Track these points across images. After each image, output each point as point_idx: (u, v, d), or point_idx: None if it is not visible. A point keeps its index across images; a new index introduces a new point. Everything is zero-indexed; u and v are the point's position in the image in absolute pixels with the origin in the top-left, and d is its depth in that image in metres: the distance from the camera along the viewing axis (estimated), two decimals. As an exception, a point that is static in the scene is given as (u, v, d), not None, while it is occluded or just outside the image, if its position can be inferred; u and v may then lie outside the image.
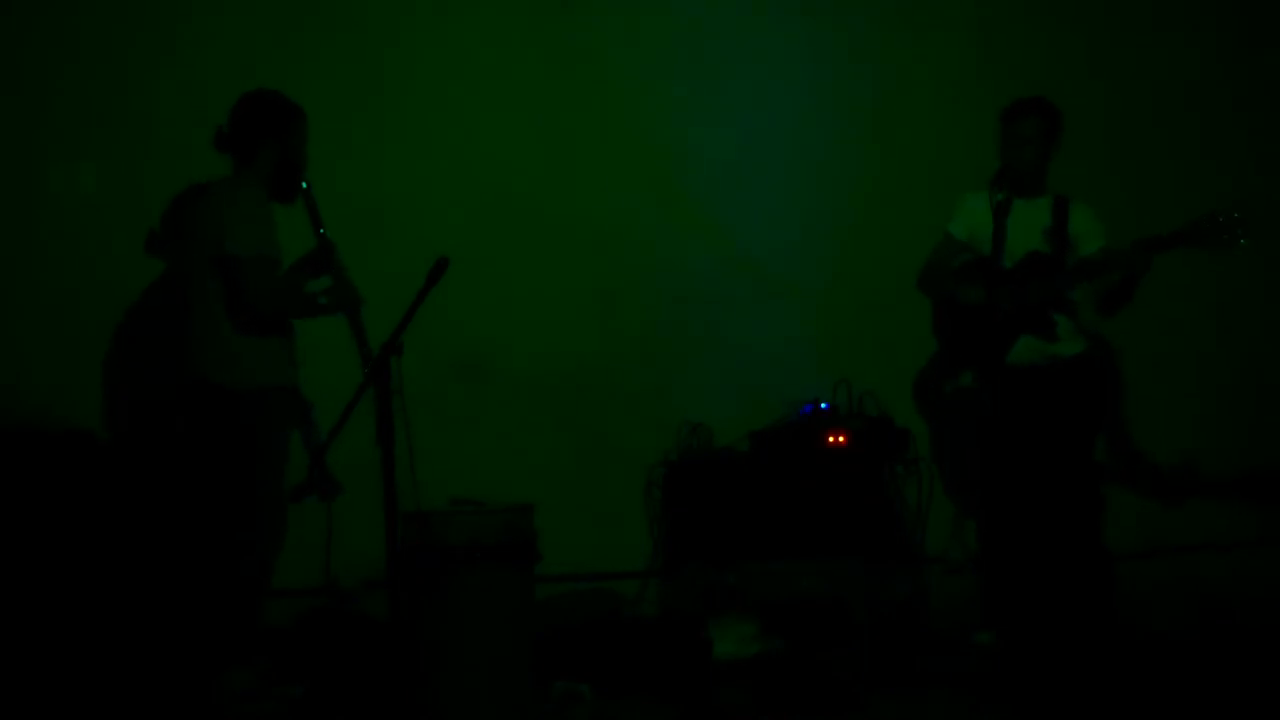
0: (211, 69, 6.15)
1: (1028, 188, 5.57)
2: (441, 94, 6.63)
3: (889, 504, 6.35)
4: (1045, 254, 5.48)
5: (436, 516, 4.98)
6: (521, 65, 6.72)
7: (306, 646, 5.45)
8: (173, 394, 5.28)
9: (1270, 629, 5.83)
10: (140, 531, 5.47)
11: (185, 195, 5.77)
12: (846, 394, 6.54)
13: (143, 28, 6.32)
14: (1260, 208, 7.02)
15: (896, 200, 6.88)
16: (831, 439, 6.30)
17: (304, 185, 5.30)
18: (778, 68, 6.94)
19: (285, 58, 6.25)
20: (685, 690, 5.26)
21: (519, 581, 5.00)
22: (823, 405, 6.43)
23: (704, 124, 6.86)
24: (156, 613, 5.33)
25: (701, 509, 6.30)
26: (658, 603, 6.38)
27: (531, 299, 6.68)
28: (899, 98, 6.96)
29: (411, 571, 4.81)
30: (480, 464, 6.21)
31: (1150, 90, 7.09)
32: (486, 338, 6.57)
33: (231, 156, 5.22)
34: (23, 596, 5.23)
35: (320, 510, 5.17)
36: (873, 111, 6.95)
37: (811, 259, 6.87)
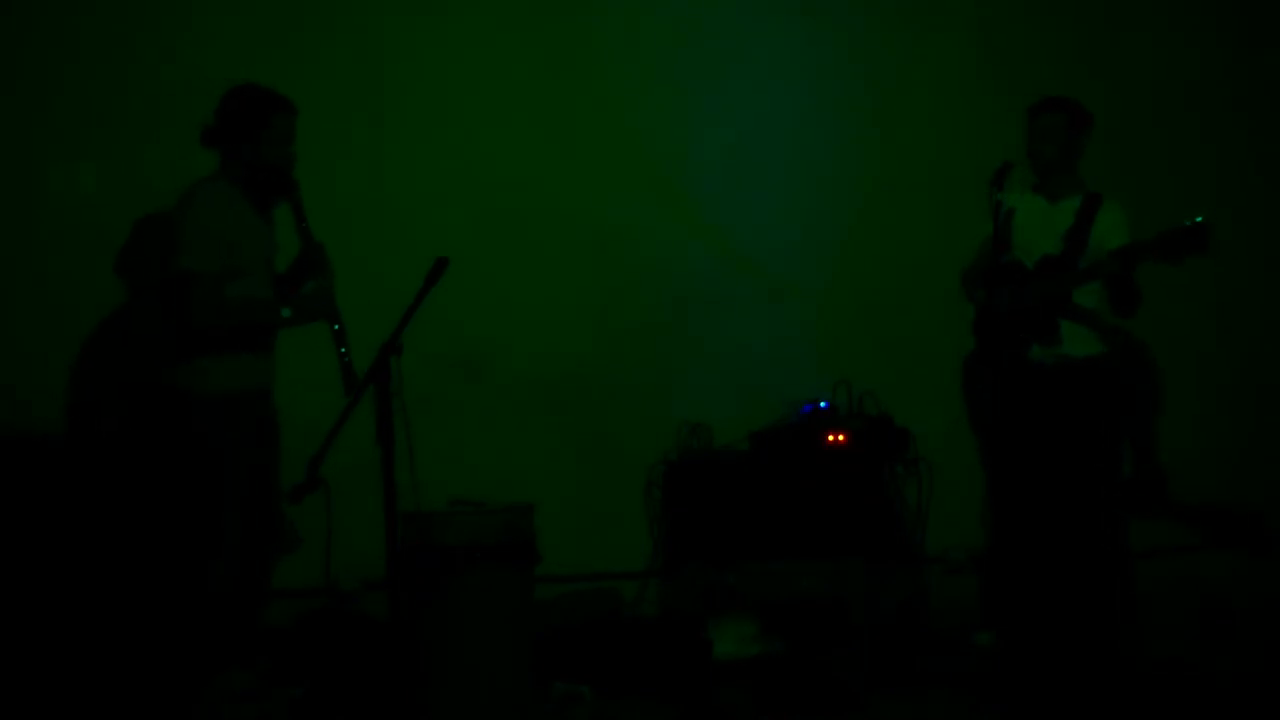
0: (212, 69, 6.13)
1: (1053, 186, 5.55)
2: (441, 94, 6.63)
3: (889, 504, 6.35)
4: (1055, 257, 5.47)
5: (436, 516, 4.97)
6: (521, 65, 6.72)
7: (306, 647, 5.45)
8: (136, 398, 5.26)
9: (1270, 629, 5.83)
10: (107, 536, 5.46)
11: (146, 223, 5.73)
12: (846, 394, 6.54)
13: (143, 28, 6.32)
14: (1261, 208, 7.13)
15: (896, 200, 6.89)
16: (831, 439, 6.30)
17: (292, 185, 5.06)
18: (778, 68, 6.94)
19: (285, 58, 6.25)
20: (685, 690, 5.26)
21: (519, 582, 5.00)
22: (822, 405, 6.43)
23: (704, 124, 6.86)
24: (127, 618, 5.32)
25: (701, 509, 6.30)
26: (658, 603, 6.38)
27: (531, 299, 6.68)
28: (899, 98, 6.96)
29: (411, 571, 4.81)
30: (480, 464, 6.21)
31: (1150, 90, 7.09)
32: (486, 338, 6.57)
33: (219, 153, 5.08)
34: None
35: (320, 510, 5.15)
36: (872, 111, 6.96)
37: (811, 259, 6.87)
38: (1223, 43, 7.18)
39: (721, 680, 5.35)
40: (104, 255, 6.09)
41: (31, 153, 6.17)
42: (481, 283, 6.34)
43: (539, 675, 5.11)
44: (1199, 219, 4.96)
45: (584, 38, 6.78)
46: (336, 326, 5.03)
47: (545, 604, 5.65)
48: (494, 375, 6.60)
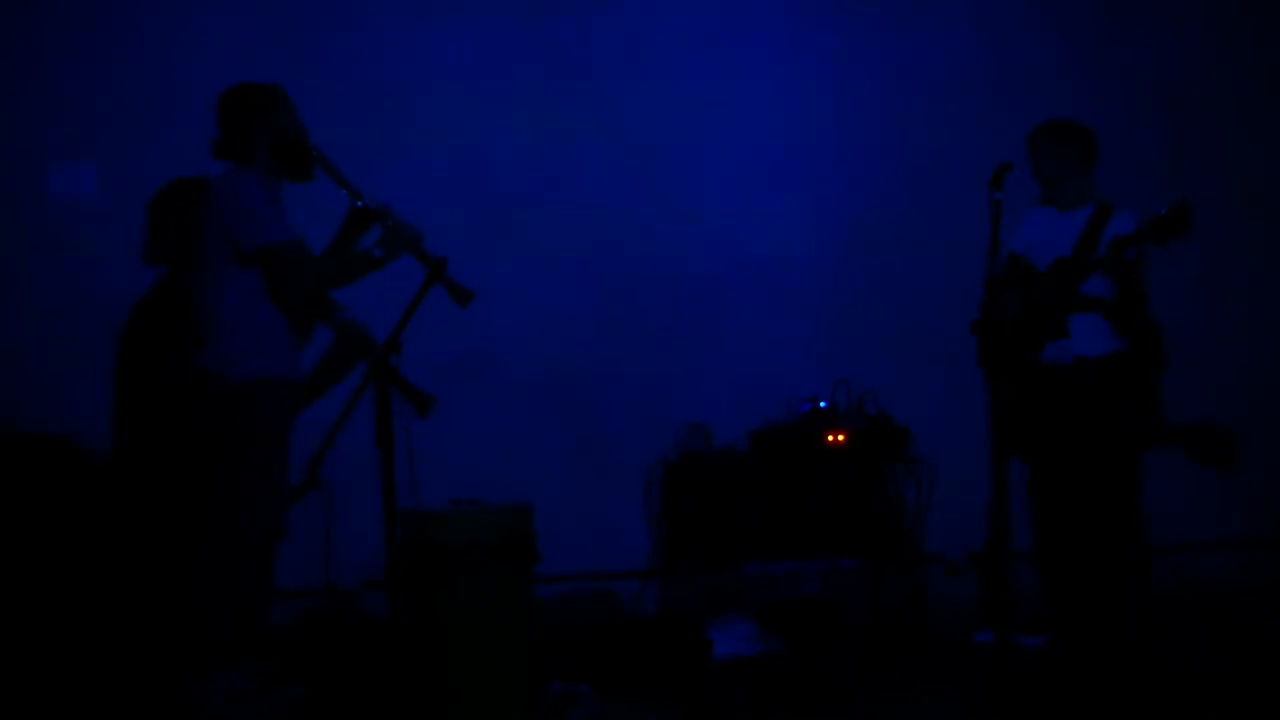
0: (212, 69, 6.14)
1: (1063, 198, 5.70)
2: (441, 94, 6.63)
3: (889, 504, 6.35)
4: (1067, 259, 5.56)
5: (436, 516, 4.97)
6: (521, 65, 6.73)
7: (306, 647, 5.44)
8: (174, 388, 5.23)
9: (1270, 629, 5.83)
10: (121, 531, 5.45)
11: (168, 194, 5.58)
12: (846, 394, 6.54)
13: (144, 28, 6.33)
14: (1262, 207, 7.13)
15: (896, 201, 6.89)
16: (831, 439, 6.30)
17: (314, 153, 5.07)
18: (778, 68, 6.94)
19: (285, 57, 6.25)
20: (685, 690, 5.25)
21: (519, 581, 4.99)
22: (822, 405, 6.43)
23: (704, 124, 6.87)
24: (133, 616, 5.31)
25: (701, 509, 6.30)
26: (658, 603, 6.38)
27: (531, 299, 6.68)
28: (899, 97, 6.97)
29: (411, 571, 4.81)
30: (480, 464, 6.21)
31: (1150, 90, 7.09)
32: (486, 338, 6.57)
33: (233, 160, 5.05)
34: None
35: (320, 510, 5.16)
36: (873, 111, 6.96)
37: (811, 259, 6.88)
38: (1223, 43, 7.18)
39: (721, 680, 5.34)
40: (104, 255, 6.09)
41: (32, 153, 6.17)
42: (481, 283, 6.33)
43: (539, 675, 5.10)
44: (1182, 200, 5.15)
45: (584, 37, 6.79)
46: (423, 253, 4.96)
47: (545, 604, 5.65)
48: (494, 375, 6.61)
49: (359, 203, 5.08)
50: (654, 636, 5.59)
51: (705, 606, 5.86)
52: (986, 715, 5.01)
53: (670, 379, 6.74)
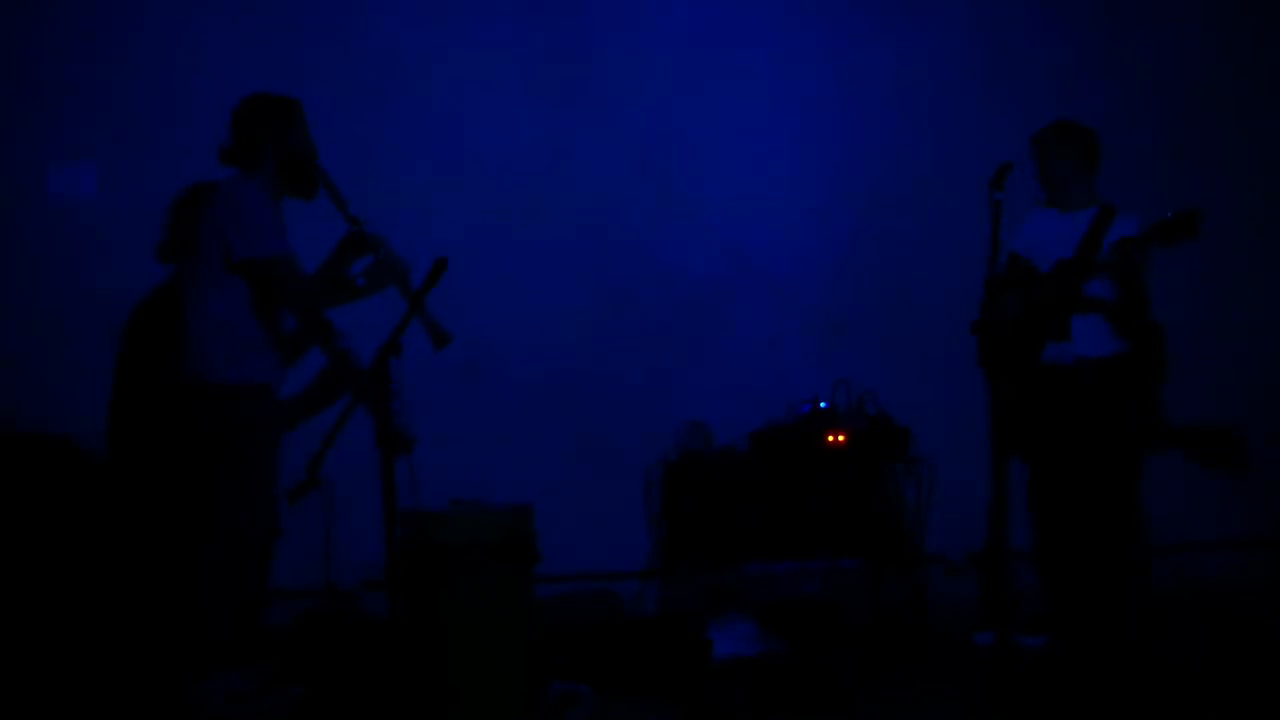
0: (211, 69, 6.16)
1: (1065, 199, 5.71)
2: (441, 93, 6.63)
3: (889, 504, 6.35)
4: (1069, 259, 5.56)
5: (435, 517, 4.97)
6: (521, 65, 6.73)
7: (306, 647, 5.45)
8: (174, 388, 5.23)
9: (1270, 629, 5.83)
10: (121, 531, 5.46)
11: (188, 197, 5.61)
12: (846, 394, 6.54)
13: (144, 28, 6.33)
14: (1262, 207, 7.13)
15: (896, 201, 6.89)
16: (831, 439, 6.30)
17: (319, 173, 5.08)
18: (778, 68, 6.94)
19: (285, 58, 6.26)
20: (685, 690, 5.25)
21: (518, 582, 4.99)
22: (822, 405, 6.44)
23: (704, 124, 6.87)
24: (133, 616, 5.31)
25: (701, 509, 6.30)
26: (658, 603, 6.38)
27: (531, 299, 6.68)
28: (899, 97, 6.97)
29: (411, 571, 4.81)
30: (480, 464, 6.21)
31: (1151, 90, 7.09)
32: (486, 338, 6.57)
33: (239, 167, 5.06)
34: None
35: (320, 511, 5.16)
36: (872, 111, 6.96)
37: (811, 259, 6.88)
38: (1223, 43, 7.18)
39: (721, 680, 5.34)
40: (104, 255, 6.09)
41: (32, 153, 6.17)
42: (481, 283, 6.34)
43: (539, 675, 5.10)
44: (1191, 208, 5.16)
45: (584, 37, 6.79)
46: (409, 290, 4.94)
47: (545, 604, 5.65)
48: (494, 375, 6.61)
49: (356, 228, 5.09)
50: (654, 636, 5.59)
51: (705, 606, 5.86)
52: (986, 715, 5.01)
53: (670, 379, 6.74)
